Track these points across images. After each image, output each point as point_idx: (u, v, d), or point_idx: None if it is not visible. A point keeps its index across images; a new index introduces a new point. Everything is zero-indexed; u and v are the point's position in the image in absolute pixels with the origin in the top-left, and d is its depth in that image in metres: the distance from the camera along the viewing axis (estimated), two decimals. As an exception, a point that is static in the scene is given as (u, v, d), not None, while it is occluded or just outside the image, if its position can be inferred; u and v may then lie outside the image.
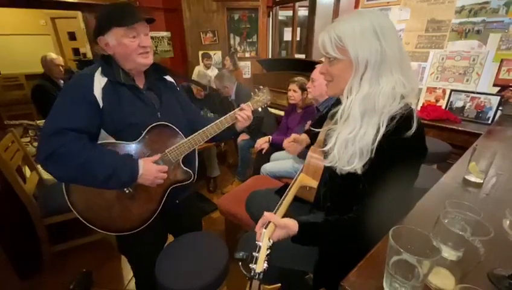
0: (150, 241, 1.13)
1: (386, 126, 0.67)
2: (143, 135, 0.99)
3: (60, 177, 0.90)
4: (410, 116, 0.67)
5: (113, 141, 0.97)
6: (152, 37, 2.14)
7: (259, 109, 1.24)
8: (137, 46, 0.95)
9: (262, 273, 0.63)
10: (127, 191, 1.00)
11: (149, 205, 1.06)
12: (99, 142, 0.96)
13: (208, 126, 1.10)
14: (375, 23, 0.67)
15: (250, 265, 0.64)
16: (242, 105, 1.17)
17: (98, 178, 0.88)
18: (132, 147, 0.99)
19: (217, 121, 1.12)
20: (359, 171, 0.71)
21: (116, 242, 1.20)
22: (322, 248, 0.87)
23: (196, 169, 1.21)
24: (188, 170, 1.12)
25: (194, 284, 0.96)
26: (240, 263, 0.68)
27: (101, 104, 0.92)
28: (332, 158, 0.75)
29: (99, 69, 0.96)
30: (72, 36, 5.15)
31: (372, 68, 0.68)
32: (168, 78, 1.17)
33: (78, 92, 0.91)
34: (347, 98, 0.73)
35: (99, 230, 1.01)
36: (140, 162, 0.95)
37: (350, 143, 0.71)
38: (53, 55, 2.61)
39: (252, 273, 0.63)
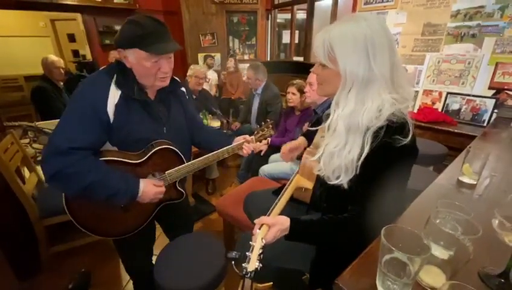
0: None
1: (374, 138, 0.68)
2: (147, 156, 0.98)
3: (64, 192, 0.92)
4: (401, 125, 0.67)
5: (116, 156, 0.95)
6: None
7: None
8: (157, 71, 0.92)
9: (254, 272, 0.64)
10: (121, 205, 1.01)
11: (139, 219, 1.09)
12: (103, 151, 0.94)
13: (209, 154, 1.13)
14: (368, 39, 0.66)
15: (242, 264, 0.66)
16: (246, 137, 1.21)
17: (100, 198, 0.89)
18: (136, 167, 0.98)
19: (219, 150, 1.15)
20: (346, 186, 0.73)
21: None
22: (317, 245, 0.88)
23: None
24: (181, 189, 1.15)
25: (192, 285, 0.97)
26: (233, 263, 0.70)
27: (111, 120, 0.89)
28: (320, 168, 0.79)
29: (115, 78, 0.91)
30: (71, 38, 5.16)
31: (359, 85, 0.69)
32: (182, 88, 1.18)
33: (91, 109, 0.86)
34: (334, 111, 0.74)
35: (91, 234, 1.02)
36: (141, 184, 0.95)
37: (335, 156, 0.74)
38: (54, 57, 2.62)
39: (244, 272, 0.64)
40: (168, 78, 0.98)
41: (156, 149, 0.99)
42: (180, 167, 1.06)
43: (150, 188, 0.97)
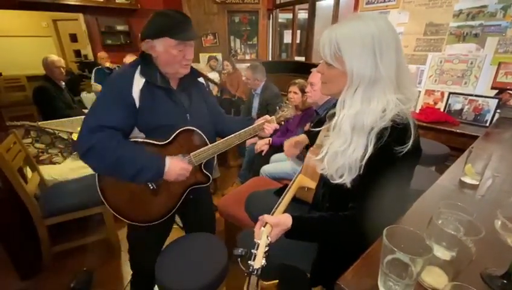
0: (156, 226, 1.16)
1: (378, 139, 0.67)
2: (172, 137, 1.06)
3: (96, 169, 1.00)
4: (405, 127, 0.67)
5: (144, 139, 1.04)
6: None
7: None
8: (182, 58, 1.02)
9: (260, 269, 0.64)
10: (151, 187, 1.08)
11: (168, 202, 1.14)
12: (131, 139, 1.03)
13: (231, 135, 1.16)
14: (375, 39, 0.66)
15: (248, 262, 0.66)
16: (266, 117, 1.22)
17: (128, 173, 0.97)
18: (162, 148, 1.05)
19: (241, 131, 1.18)
20: (348, 185, 0.73)
21: (127, 229, 1.27)
22: (316, 241, 0.88)
23: (213, 171, 1.27)
24: (207, 173, 1.20)
25: (193, 285, 0.97)
26: (239, 259, 0.70)
27: (137, 105, 0.99)
28: (323, 166, 0.78)
29: (139, 68, 1.01)
30: (73, 38, 5.19)
31: (366, 85, 0.68)
32: (200, 79, 1.24)
33: (118, 92, 0.98)
34: (340, 110, 0.74)
35: (121, 218, 1.09)
36: (167, 160, 1.02)
37: (339, 155, 0.73)
38: (54, 57, 2.63)
39: (250, 269, 0.64)
40: (189, 66, 1.08)
41: (180, 130, 1.06)
42: (204, 148, 1.12)
43: (175, 165, 1.03)
